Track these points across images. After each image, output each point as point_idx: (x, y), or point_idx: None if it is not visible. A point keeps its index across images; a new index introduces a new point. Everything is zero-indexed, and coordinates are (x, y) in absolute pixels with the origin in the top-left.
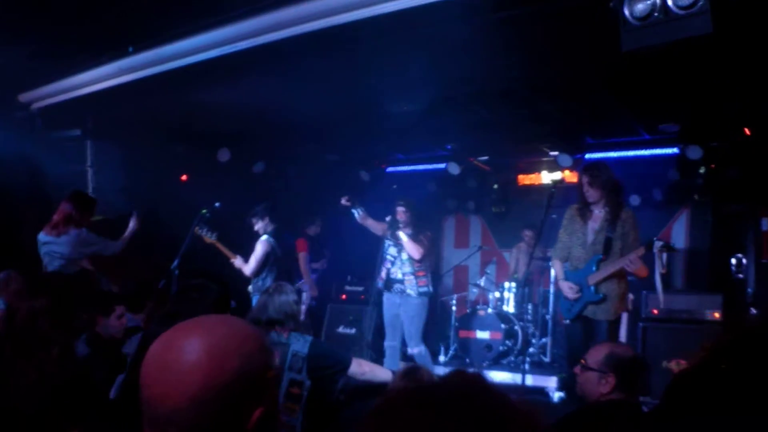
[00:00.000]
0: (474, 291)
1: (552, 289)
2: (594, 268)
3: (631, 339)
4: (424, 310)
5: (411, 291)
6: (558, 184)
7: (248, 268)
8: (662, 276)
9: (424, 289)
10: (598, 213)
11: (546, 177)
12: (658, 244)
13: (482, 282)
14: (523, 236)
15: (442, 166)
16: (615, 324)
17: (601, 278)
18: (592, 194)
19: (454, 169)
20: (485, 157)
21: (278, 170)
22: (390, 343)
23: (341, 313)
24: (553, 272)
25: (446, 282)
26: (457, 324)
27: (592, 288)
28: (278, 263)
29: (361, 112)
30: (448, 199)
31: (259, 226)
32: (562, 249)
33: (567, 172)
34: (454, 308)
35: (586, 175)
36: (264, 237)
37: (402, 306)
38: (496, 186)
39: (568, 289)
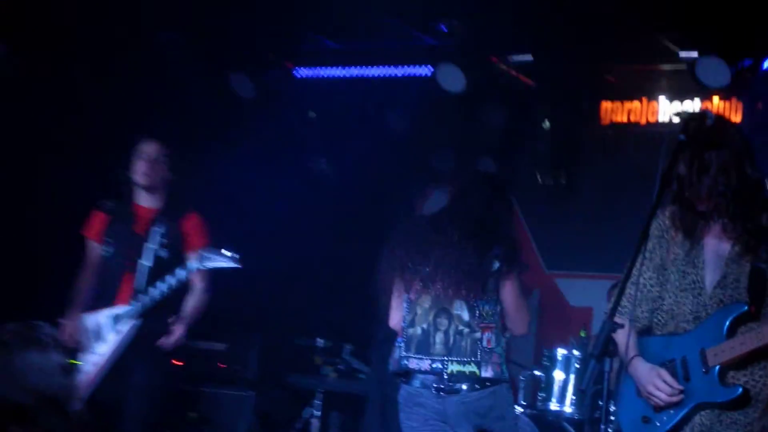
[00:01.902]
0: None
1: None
2: (724, 330)
3: None
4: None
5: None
6: (693, 124)
7: None
8: None
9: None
10: (723, 224)
11: (665, 108)
12: None
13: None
14: None
15: (423, 71)
16: None
17: (745, 353)
18: (692, 195)
19: (453, 79)
20: (526, 56)
21: (48, 65)
22: None
23: (171, 401)
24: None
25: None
26: None
27: (716, 372)
28: None
29: None
30: (435, 150)
31: None
32: (643, 301)
33: (717, 100)
34: None
35: (687, 152)
36: None
37: (462, 415)
38: (547, 124)
39: (655, 383)
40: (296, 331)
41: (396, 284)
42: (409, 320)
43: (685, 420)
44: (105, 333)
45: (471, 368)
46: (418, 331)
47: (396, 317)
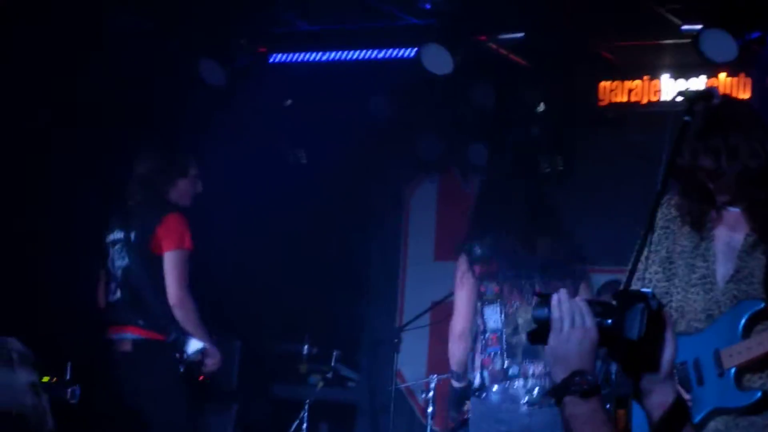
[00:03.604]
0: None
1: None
2: (740, 329)
3: None
4: None
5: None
6: (699, 102)
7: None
8: None
9: None
10: (737, 213)
11: (668, 86)
12: None
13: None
14: None
15: (409, 52)
16: None
17: (761, 354)
18: (720, 186)
19: (440, 60)
20: (519, 34)
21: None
22: None
23: None
24: None
25: (412, 345)
26: None
27: (732, 375)
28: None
29: None
30: (421, 138)
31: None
32: None
33: (723, 77)
34: (430, 410)
35: (707, 140)
36: None
37: (551, 426)
38: (542, 107)
39: None
40: (280, 336)
41: (468, 288)
42: (512, 329)
43: (700, 426)
44: None
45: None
46: (524, 338)
47: (461, 324)
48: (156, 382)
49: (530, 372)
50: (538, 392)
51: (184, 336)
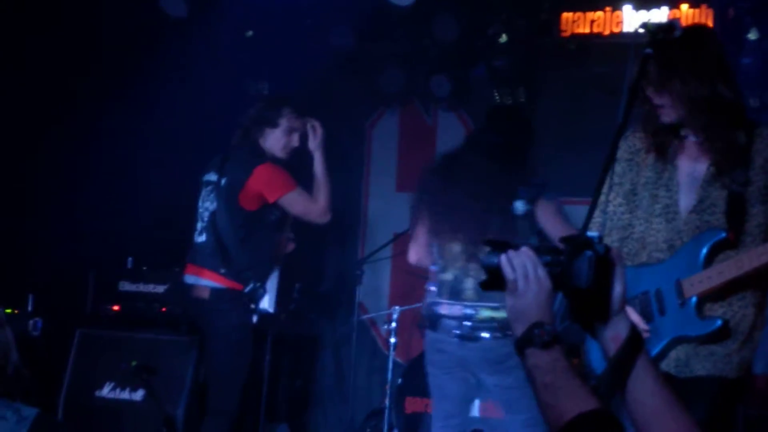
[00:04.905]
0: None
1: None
2: (701, 259)
3: None
4: None
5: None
6: (661, 35)
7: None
8: None
9: None
10: (698, 144)
11: (631, 19)
12: None
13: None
14: None
15: None
16: (736, 389)
17: (722, 283)
18: (668, 111)
19: None
20: None
21: None
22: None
23: (108, 349)
24: None
25: (376, 277)
26: (400, 382)
27: (693, 304)
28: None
29: None
30: (382, 71)
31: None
32: (613, 229)
33: (685, 7)
34: (392, 341)
35: (656, 62)
36: None
37: (481, 362)
38: (504, 38)
39: None
40: None
41: (420, 222)
42: (442, 266)
43: (661, 355)
44: None
45: (502, 314)
46: (450, 276)
47: (415, 255)
48: (228, 331)
49: (454, 313)
50: (468, 327)
51: (262, 289)
